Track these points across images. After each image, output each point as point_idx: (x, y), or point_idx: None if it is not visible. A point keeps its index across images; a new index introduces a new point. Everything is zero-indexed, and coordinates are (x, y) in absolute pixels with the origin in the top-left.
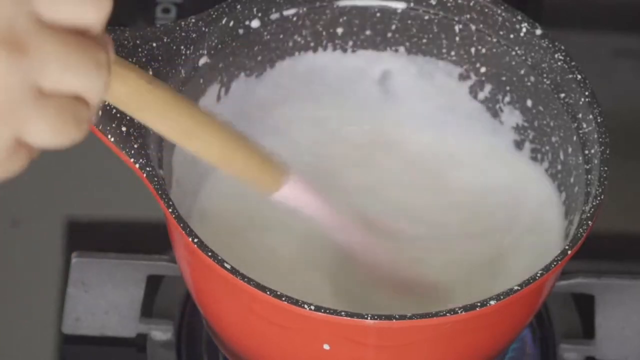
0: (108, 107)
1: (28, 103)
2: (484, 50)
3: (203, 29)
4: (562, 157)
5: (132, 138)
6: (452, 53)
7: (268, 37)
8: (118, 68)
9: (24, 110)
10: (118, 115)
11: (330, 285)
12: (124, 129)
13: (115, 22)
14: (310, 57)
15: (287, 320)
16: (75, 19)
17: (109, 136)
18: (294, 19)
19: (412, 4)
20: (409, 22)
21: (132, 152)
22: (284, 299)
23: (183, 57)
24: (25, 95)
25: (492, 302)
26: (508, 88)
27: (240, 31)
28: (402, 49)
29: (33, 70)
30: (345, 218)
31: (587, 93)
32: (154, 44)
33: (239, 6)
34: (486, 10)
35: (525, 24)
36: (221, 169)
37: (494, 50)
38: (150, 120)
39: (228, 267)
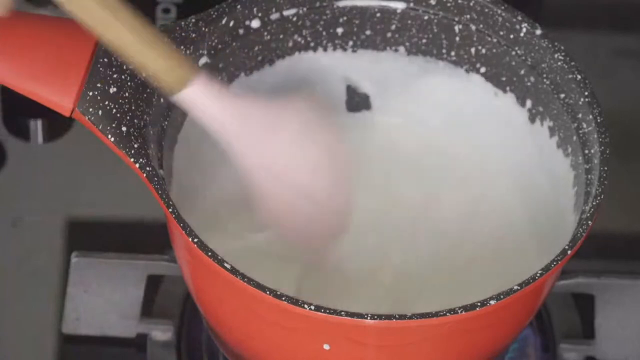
0: (108, 107)
1: None
2: (484, 51)
3: (203, 29)
4: None
5: (132, 138)
6: (452, 53)
7: (268, 37)
8: None
9: None
10: (118, 115)
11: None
12: (124, 129)
13: None
14: (311, 57)
15: (287, 320)
16: None
17: (109, 136)
18: (294, 19)
19: (412, 4)
20: (409, 22)
21: (132, 152)
22: (284, 298)
23: None
24: None
25: (492, 302)
26: (508, 88)
27: (240, 31)
28: (402, 49)
29: None
30: (255, 142)
31: (587, 93)
32: None
33: (239, 6)
34: (486, 10)
35: (525, 24)
36: (127, 59)
37: (494, 50)
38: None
39: (228, 267)
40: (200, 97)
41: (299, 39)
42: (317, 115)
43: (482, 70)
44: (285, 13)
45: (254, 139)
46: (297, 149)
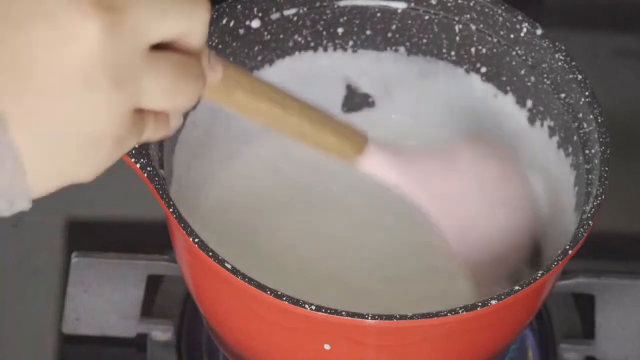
0: None
1: (139, 63)
2: (484, 50)
3: None
4: None
5: None
6: (453, 53)
7: (268, 37)
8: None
9: (136, 72)
10: None
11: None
12: None
13: None
14: (311, 57)
15: (288, 320)
16: None
17: None
18: (294, 18)
19: (412, 4)
20: (409, 22)
21: (133, 152)
22: (284, 298)
23: None
24: (133, 56)
25: (493, 302)
26: (508, 88)
27: (241, 31)
28: (402, 49)
29: (135, 29)
30: (429, 187)
31: (587, 93)
32: None
33: (239, 6)
34: (486, 10)
35: (526, 24)
36: (303, 143)
37: (495, 50)
38: (240, 108)
39: (229, 267)
40: (376, 164)
41: (299, 39)
42: (490, 162)
43: (483, 70)
44: (286, 13)
45: (433, 191)
46: (473, 194)
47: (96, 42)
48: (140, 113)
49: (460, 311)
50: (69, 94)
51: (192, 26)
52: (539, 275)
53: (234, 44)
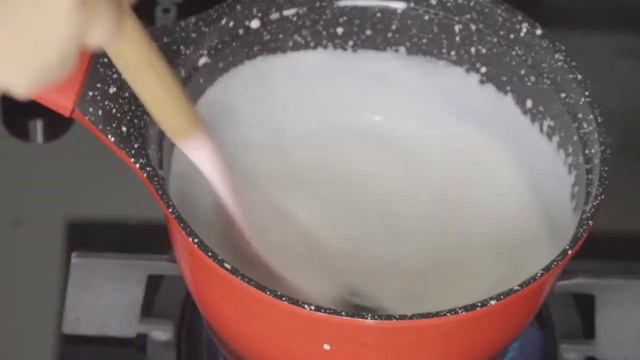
0: (108, 107)
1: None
2: (484, 50)
3: (203, 29)
4: None
5: (132, 138)
6: (452, 53)
7: (268, 37)
8: None
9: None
10: (118, 115)
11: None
12: (124, 129)
13: None
14: (311, 57)
15: (287, 320)
16: None
17: (109, 136)
18: (294, 19)
19: (412, 4)
20: (409, 22)
21: (132, 152)
22: (284, 299)
23: (183, 57)
24: None
25: (492, 302)
26: (508, 88)
27: (240, 31)
28: (402, 49)
29: None
30: (239, 195)
31: (587, 93)
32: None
33: (239, 6)
34: (486, 10)
35: (526, 24)
36: (147, 105)
37: (494, 50)
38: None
39: (228, 267)
40: (202, 149)
41: (299, 39)
42: None
43: (483, 70)
44: (285, 13)
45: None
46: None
47: None
48: None
49: (459, 311)
50: None
51: None
52: (539, 275)
53: (234, 44)
